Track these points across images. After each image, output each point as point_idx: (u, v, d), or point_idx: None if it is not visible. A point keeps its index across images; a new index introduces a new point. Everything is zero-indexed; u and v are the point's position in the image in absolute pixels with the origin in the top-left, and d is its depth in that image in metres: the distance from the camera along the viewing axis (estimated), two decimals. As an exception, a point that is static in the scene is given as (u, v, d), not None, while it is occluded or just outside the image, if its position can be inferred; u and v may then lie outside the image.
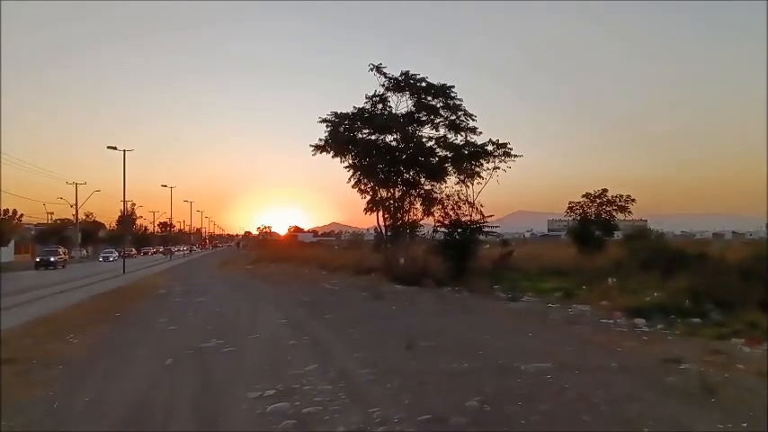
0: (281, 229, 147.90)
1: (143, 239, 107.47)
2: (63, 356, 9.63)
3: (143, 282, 30.11)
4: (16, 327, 13.15)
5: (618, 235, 35.53)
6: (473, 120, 28.50)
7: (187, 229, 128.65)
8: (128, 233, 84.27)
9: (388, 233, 30.52)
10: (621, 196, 34.48)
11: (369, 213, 30.40)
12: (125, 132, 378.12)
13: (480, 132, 28.60)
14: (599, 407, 6.33)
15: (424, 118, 28.93)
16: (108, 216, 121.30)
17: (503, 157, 28.46)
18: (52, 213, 79.74)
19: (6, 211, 59.27)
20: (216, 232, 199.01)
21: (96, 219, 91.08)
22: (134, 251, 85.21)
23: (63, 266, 49.69)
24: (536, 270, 25.06)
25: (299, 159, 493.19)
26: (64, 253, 54.12)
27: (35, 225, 78.36)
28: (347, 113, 28.81)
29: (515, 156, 28.50)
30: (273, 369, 8.48)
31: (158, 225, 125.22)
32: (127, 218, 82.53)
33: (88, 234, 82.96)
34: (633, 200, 34.32)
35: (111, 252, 67.56)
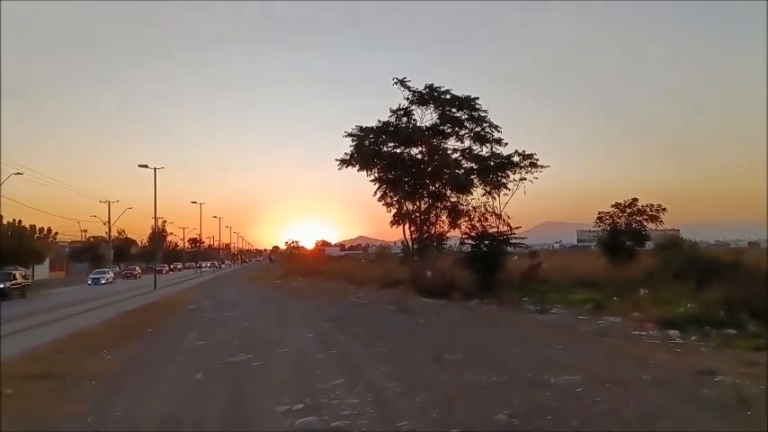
0: (309, 244, 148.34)
1: (173, 256, 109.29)
2: (96, 372, 9.84)
3: (173, 297, 30.59)
4: (51, 342, 13.49)
5: (649, 245, 34.86)
6: (498, 131, 28.51)
7: (216, 244, 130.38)
8: (159, 250, 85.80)
9: (415, 246, 30.51)
10: (652, 205, 33.88)
11: (395, 226, 30.53)
12: (156, 150, 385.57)
13: (506, 143, 28.62)
14: (631, 421, 6.21)
15: (448, 130, 28.98)
16: (139, 233, 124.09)
17: (529, 168, 28.38)
18: (86, 231, 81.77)
19: (41, 229, 60.82)
20: (244, 247, 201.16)
21: (128, 236, 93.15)
22: (166, 267, 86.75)
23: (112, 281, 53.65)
24: (565, 282, 24.75)
25: (326, 174, 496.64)
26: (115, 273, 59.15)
27: (69, 243, 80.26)
28: (372, 127, 29.02)
29: (542, 166, 28.41)
30: (301, 383, 8.53)
31: (188, 241, 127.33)
32: (158, 235, 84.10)
33: (121, 251, 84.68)
34: (664, 209, 33.71)
35: (104, 273, 53.89)
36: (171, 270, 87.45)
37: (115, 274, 76.33)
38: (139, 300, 28.89)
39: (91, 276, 53.37)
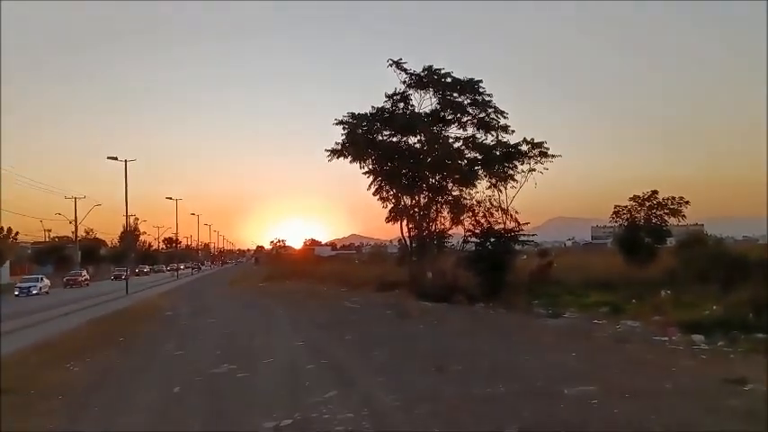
0: (296, 243, 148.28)
1: (147, 257, 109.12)
2: (63, 385, 9.80)
3: (148, 303, 30.51)
4: (13, 354, 13.43)
5: (670, 242, 34.95)
6: (504, 117, 28.46)
7: (194, 244, 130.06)
8: (131, 250, 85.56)
9: (414, 245, 30.49)
10: (674, 198, 33.93)
11: (391, 223, 30.49)
12: (127, 142, 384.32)
13: (513, 131, 28.56)
14: (653, 434, 6.23)
15: (450, 117, 28.94)
16: (110, 232, 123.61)
17: (539, 158, 28.33)
18: (50, 230, 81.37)
19: (1, 229, 60.53)
20: (225, 247, 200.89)
21: (97, 236, 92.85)
22: (147, 269, 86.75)
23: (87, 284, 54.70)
24: (579, 283, 24.79)
25: (315, 167, 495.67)
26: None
27: (31, 244, 79.94)
28: (365, 114, 28.95)
29: (553, 156, 28.36)
30: (290, 396, 8.52)
31: (163, 241, 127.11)
32: (130, 234, 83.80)
33: (89, 252, 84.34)
34: (687, 202, 33.75)
35: (35, 281, 46.22)
36: (137, 274, 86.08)
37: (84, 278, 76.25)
38: (110, 306, 28.81)
39: (18, 285, 45.14)
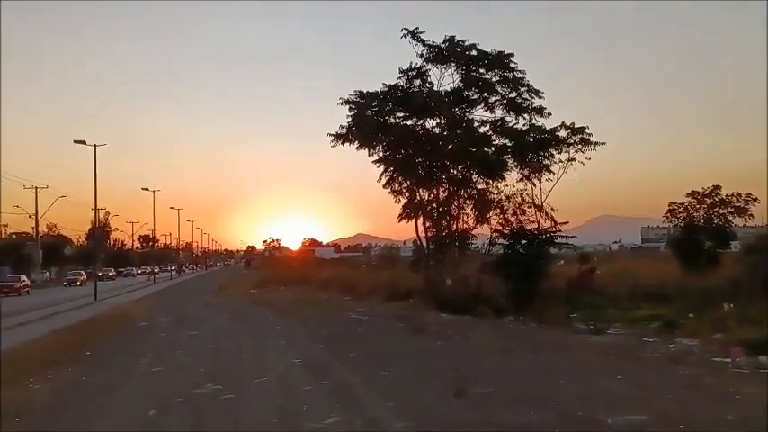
0: (293, 243, 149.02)
1: (120, 257, 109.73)
2: (21, 406, 9.86)
3: (120, 311, 30.67)
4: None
5: (735, 246, 34.78)
6: (540, 97, 28.42)
7: (175, 243, 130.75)
8: (100, 249, 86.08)
9: (431, 246, 30.50)
10: (740, 195, 33.77)
11: (405, 221, 30.53)
12: (96, 125, 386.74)
13: (549, 114, 28.54)
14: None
15: (475, 96, 28.91)
16: (76, 228, 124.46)
17: (580, 146, 28.28)
18: (6, 225, 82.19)
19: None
20: (211, 248, 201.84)
21: (61, 232, 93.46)
22: (112, 272, 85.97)
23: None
24: (626, 293, 24.68)
25: (315, 156, 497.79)
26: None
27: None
28: (376, 92, 28.96)
29: (596, 143, 28.32)
30: (285, 422, 8.54)
31: (138, 239, 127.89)
32: (99, 230, 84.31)
33: (52, 251, 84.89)
34: (755, 199, 33.59)
35: None
36: (100, 278, 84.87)
37: (46, 280, 76.73)
38: (76, 314, 29.00)
39: None
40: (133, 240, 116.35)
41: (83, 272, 72.76)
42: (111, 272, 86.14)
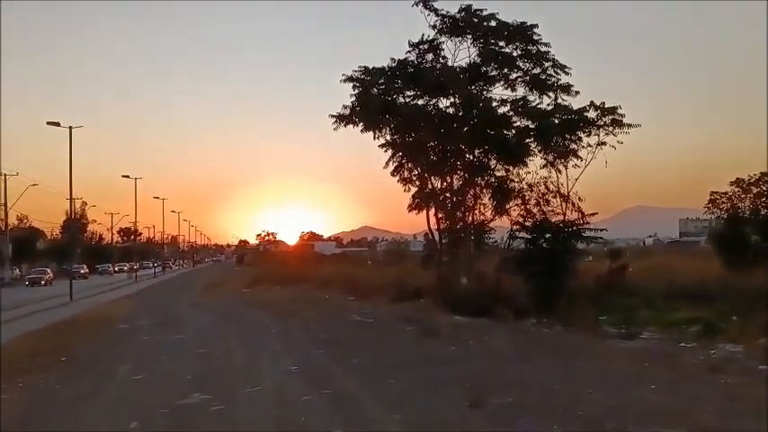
0: (291, 237, 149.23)
1: (98, 252, 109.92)
2: (-11, 417, 9.93)
3: (98, 312, 30.79)
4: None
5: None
6: (566, 73, 28.25)
7: (159, 237, 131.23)
8: (76, 243, 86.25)
9: (444, 240, 30.49)
10: (790, 183, 33.61)
11: (415, 212, 30.55)
12: (72, 104, 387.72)
13: (577, 92, 28.39)
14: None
15: (494, 72, 28.78)
16: (49, 220, 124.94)
17: (611, 128, 28.14)
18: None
19: None
20: (199, 242, 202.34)
21: (33, 224, 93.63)
22: (84, 270, 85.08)
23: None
24: (662, 293, 24.56)
25: (315, 140, 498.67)
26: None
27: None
28: (383, 68, 28.83)
29: (630, 126, 28.16)
30: (280, 436, 8.58)
31: (118, 232, 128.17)
32: (74, 222, 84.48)
33: (23, 245, 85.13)
34: (809, 187, 33.43)
35: None
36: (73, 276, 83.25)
37: (16, 277, 76.70)
38: (49, 315, 29.14)
39: None
40: (112, 233, 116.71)
41: (48, 270, 72.33)
42: (84, 269, 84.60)
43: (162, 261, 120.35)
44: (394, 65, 28.71)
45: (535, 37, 27.83)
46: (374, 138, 29.80)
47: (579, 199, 28.58)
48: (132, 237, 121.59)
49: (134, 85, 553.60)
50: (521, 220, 27.85)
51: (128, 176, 76.56)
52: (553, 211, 28.57)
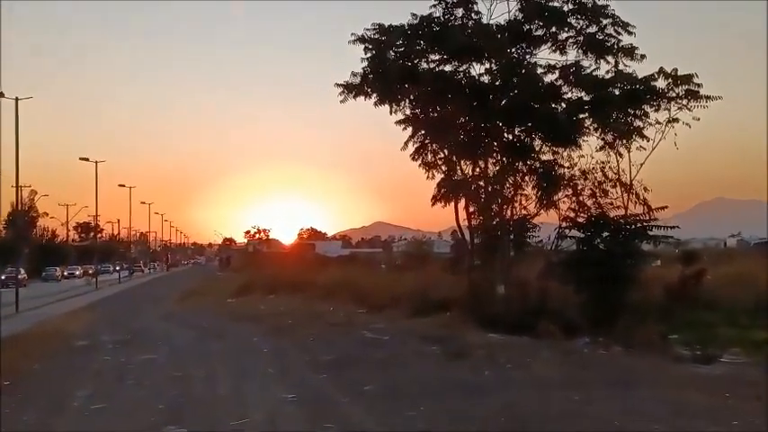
0: (287, 236, 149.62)
1: (51, 252, 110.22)
2: None
3: (50, 327, 30.88)
4: None
5: None
6: (629, 33, 28.04)
7: (125, 234, 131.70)
8: (24, 241, 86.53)
9: (476, 240, 30.42)
10: None
11: (441, 205, 30.42)
12: (19, 74, 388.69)
13: (643, 56, 28.14)
14: None
15: (539, 32, 28.64)
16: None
17: (685, 102, 27.96)
18: None
19: None
20: (176, 241, 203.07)
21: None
22: (22, 274, 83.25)
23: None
24: (748, 306, 24.46)
25: (317, 118, 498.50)
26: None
27: None
28: (402, 27, 28.77)
29: (708, 98, 27.94)
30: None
31: (75, 228, 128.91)
32: (21, 215, 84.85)
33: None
34: None
35: None
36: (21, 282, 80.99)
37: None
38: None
39: None
40: (68, 229, 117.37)
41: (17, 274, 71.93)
42: (22, 274, 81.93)
43: (129, 263, 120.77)
44: (415, 22, 28.61)
45: (591, -12, 27.77)
46: (390, 112, 29.74)
47: (645, 189, 28.46)
48: (92, 233, 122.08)
49: (94, 50, 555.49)
50: (571, 214, 27.79)
51: (87, 159, 76.78)
52: (612, 203, 28.42)
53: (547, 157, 29.07)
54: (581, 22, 28.06)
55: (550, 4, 27.99)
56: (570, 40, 28.39)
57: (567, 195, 28.89)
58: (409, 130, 29.98)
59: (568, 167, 29.07)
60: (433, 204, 30.40)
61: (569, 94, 28.71)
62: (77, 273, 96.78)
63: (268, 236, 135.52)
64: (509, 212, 29.85)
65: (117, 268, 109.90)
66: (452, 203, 30.11)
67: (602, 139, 28.76)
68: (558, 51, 28.64)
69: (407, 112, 29.80)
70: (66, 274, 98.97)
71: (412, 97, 29.47)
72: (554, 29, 28.38)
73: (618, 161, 28.85)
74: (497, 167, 29.56)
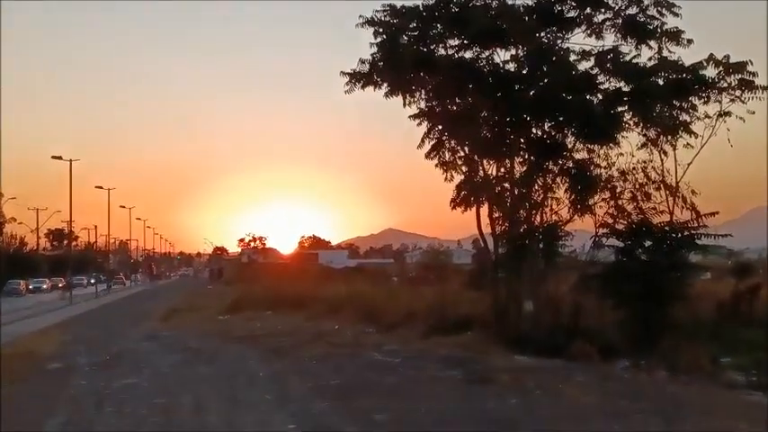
0: (286, 244, 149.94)
1: (19, 262, 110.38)
2: None
3: (18, 347, 30.97)
4: None
5: None
6: (675, 14, 27.99)
7: (103, 242, 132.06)
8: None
9: (501, 249, 30.37)
10: None
11: (461, 210, 30.40)
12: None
13: (690, 41, 28.08)
14: None
15: (572, 13, 28.66)
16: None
17: (738, 93, 27.85)
18: None
19: None
20: (160, 250, 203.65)
21: None
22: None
23: None
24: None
25: (318, 115, 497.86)
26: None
27: None
28: (416, 8, 28.82)
29: (765, 89, 27.84)
30: None
31: (47, 235, 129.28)
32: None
33: None
34: None
35: None
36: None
37: None
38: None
39: None
40: (38, 236, 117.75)
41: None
42: None
43: (107, 275, 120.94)
44: (432, 2, 28.65)
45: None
46: (404, 105, 29.77)
47: (693, 192, 28.21)
48: (66, 241, 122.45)
49: (67, 33, 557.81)
50: (609, 220, 27.73)
51: (59, 158, 77.16)
52: (655, 208, 28.27)
53: (581, 155, 29.06)
54: (619, 2, 28.06)
55: (585, -19, 28.04)
56: (607, 23, 28.40)
57: (603, 199, 28.82)
58: (424, 125, 30.01)
59: (605, 167, 29.01)
60: (453, 209, 30.37)
61: (606, 83, 28.64)
62: (44, 286, 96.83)
63: (264, 244, 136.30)
64: (538, 218, 29.79)
65: (92, 281, 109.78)
66: (474, 208, 30.10)
67: (644, 135, 28.65)
68: (593, 36, 28.66)
69: (422, 104, 29.82)
70: (30, 287, 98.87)
71: (428, 88, 29.50)
72: (589, 10, 28.39)
73: (662, 160, 28.69)
74: (525, 167, 29.54)
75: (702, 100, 27.90)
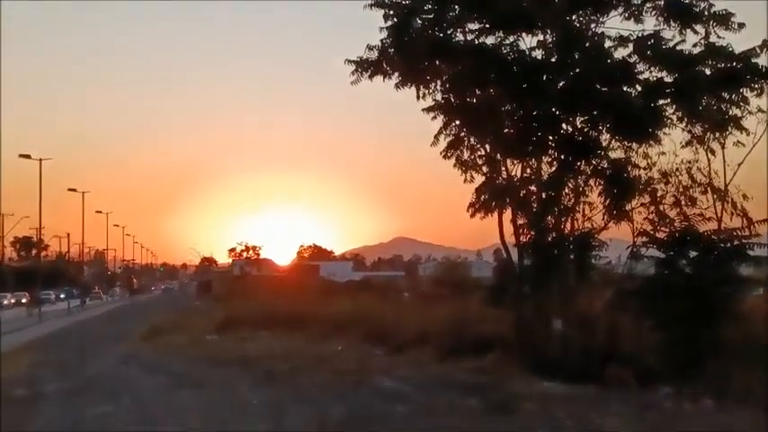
0: (283, 255, 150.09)
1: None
2: None
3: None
4: None
5: None
6: (723, -4, 28.01)
7: (76, 251, 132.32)
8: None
9: (526, 261, 30.35)
10: None
11: (481, 216, 30.39)
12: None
13: (741, 25, 28.05)
14: None
15: (607, -6, 28.68)
16: None
17: (795, 85, 27.85)
18: None
19: None
20: (141, 260, 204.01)
21: None
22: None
23: None
24: None
25: (319, 111, 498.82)
26: None
27: None
28: (431, -11, 28.87)
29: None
30: None
31: (14, 243, 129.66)
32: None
33: None
34: None
35: None
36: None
37: None
38: None
39: None
40: (3, 245, 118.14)
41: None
42: None
43: (80, 290, 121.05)
44: (449, -18, 28.74)
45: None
46: (417, 97, 29.74)
47: (744, 197, 28.16)
48: (35, 251, 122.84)
49: (39, 17, 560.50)
50: (649, 228, 27.69)
51: (28, 157, 77.36)
52: (702, 215, 28.19)
53: (617, 154, 29.00)
54: (660, -19, 28.07)
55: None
56: (647, 5, 28.34)
57: (643, 204, 28.75)
58: (440, 119, 29.96)
59: (645, 168, 28.97)
60: (472, 215, 30.27)
61: (646, 73, 28.59)
62: (5, 302, 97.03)
63: (259, 255, 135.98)
64: (568, 226, 29.76)
65: (62, 296, 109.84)
66: (495, 214, 30.05)
67: (689, 131, 28.62)
68: (631, 19, 28.62)
69: (438, 96, 29.76)
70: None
71: (444, 78, 29.48)
72: (626, -10, 28.41)
73: (709, 160, 28.64)
74: (553, 168, 29.50)
75: (755, 92, 27.82)
